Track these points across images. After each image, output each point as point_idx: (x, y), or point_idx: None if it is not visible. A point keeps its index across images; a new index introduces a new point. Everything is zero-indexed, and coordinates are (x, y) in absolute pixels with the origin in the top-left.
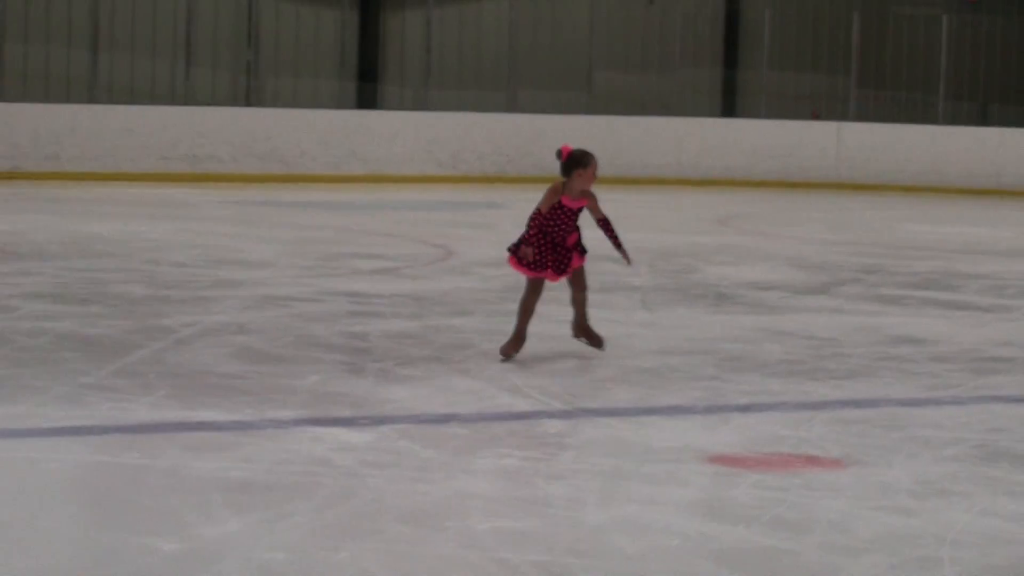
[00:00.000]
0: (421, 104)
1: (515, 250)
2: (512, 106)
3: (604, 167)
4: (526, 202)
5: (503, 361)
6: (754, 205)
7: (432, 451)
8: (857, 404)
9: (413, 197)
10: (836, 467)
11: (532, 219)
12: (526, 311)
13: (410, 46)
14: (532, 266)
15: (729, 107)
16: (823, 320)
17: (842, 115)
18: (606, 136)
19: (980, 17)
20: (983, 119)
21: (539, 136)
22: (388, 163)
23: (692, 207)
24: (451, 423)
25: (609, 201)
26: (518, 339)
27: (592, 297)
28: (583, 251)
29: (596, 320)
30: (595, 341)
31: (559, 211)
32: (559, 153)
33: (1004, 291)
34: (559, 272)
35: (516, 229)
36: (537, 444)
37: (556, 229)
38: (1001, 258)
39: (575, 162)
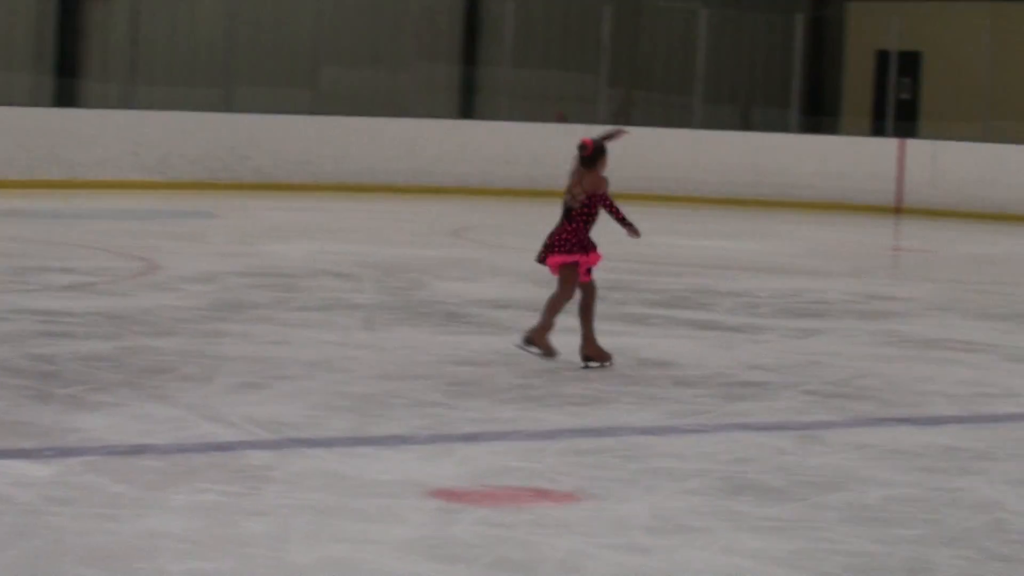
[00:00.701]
0: (126, 102)
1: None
2: (228, 105)
3: (328, 172)
4: (241, 211)
5: (538, 354)
6: (493, 215)
7: (122, 486)
8: (594, 433)
9: (115, 205)
10: (568, 501)
11: (610, 205)
12: (553, 309)
13: (115, 37)
14: (565, 250)
15: (467, 108)
16: (561, 341)
17: (591, 118)
18: (333, 138)
19: (742, 12)
20: (745, 123)
21: (257, 138)
22: (88, 167)
23: (425, 217)
24: (145, 455)
25: (334, 211)
26: (544, 329)
27: (308, 315)
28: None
29: (310, 342)
30: (605, 357)
31: (595, 199)
32: (583, 147)
33: (756, 310)
34: (586, 252)
35: (230, 243)
36: (239, 477)
37: (591, 216)
38: (756, 274)
39: (602, 151)
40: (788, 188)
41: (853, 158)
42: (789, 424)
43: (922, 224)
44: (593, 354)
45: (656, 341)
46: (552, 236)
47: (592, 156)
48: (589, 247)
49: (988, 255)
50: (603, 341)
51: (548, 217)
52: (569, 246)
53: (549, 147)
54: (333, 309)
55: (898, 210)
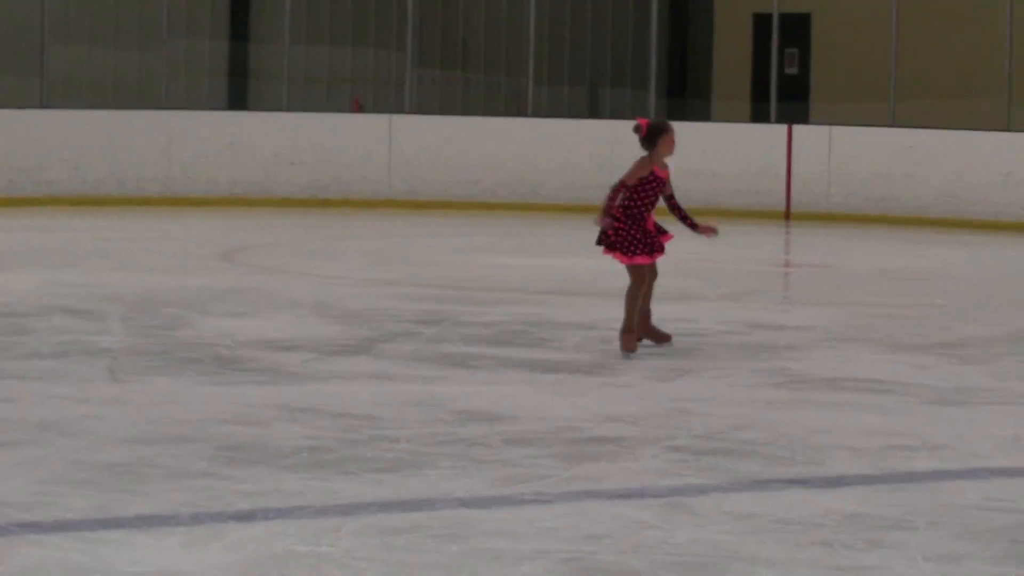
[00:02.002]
0: None
1: (609, 241)
2: None
3: (61, 181)
4: None
5: (629, 357)
6: (271, 232)
7: None
8: (404, 506)
9: None
10: None
11: (615, 191)
12: (633, 301)
13: None
14: (626, 251)
15: (238, 95)
16: (361, 391)
17: (397, 105)
18: (65, 137)
19: None
20: (592, 109)
21: None
22: None
23: (186, 236)
24: None
25: (70, 230)
26: (631, 330)
27: (37, 364)
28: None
29: (41, 398)
30: (662, 337)
31: (650, 183)
32: (637, 128)
33: (612, 345)
34: (651, 252)
35: None
36: None
37: (642, 204)
38: (609, 300)
39: (658, 130)
40: None
41: (728, 150)
42: (651, 490)
43: (817, 232)
44: (649, 335)
45: (482, 388)
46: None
47: (649, 135)
48: (652, 242)
49: (901, 269)
50: (409, 388)
51: (342, 232)
52: (631, 245)
53: (343, 143)
54: (70, 356)
55: (787, 215)
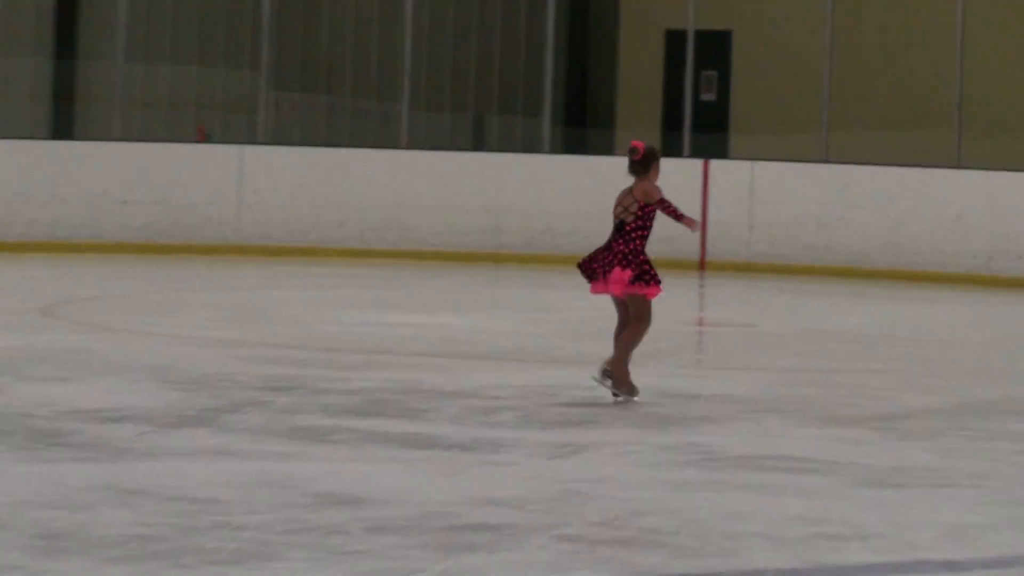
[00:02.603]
0: None
1: (644, 276)
2: None
3: None
4: None
5: (636, 399)
6: (99, 283)
7: None
8: None
9: None
10: None
11: (668, 204)
12: (639, 339)
13: None
14: (649, 282)
15: (63, 122)
16: (202, 470)
17: (249, 134)
18: None
19: None
20: (476, 139)
21: None
22: None
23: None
24: None
25: None
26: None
27: None
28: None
29: None
30: (630, 390)
31: (651, 210)
32: (634, 150)
33: (492, 416)
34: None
35: None
36: None
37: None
38: (492, 363)
39: (653, 155)
40: (536, 233)
41: None
42: None
43: (737, 284)
44: (619, 379)
45: (343, 467)
46: (611, 257)
47: (644, 160)
48: (653, 275)
49: (833, 329)
50: (258, 467)
51: (182, 283)
52: (641, 275)
53: (185, 178)
54: None
55: (702, 264)
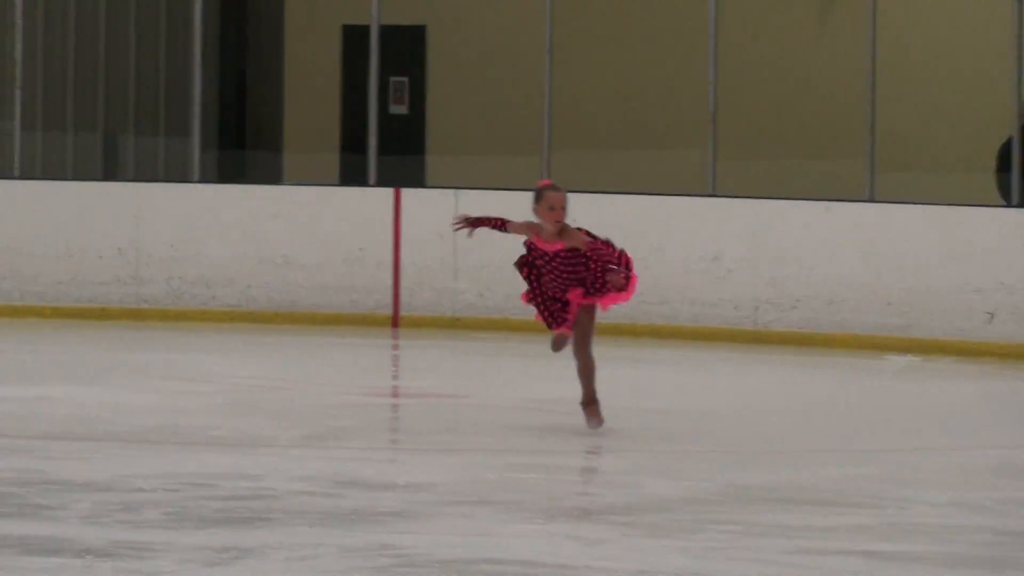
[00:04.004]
0: None
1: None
2: None
3: None
4: None
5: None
6: None
7: None
8: None
9: None
10: None
11: (494, 220)
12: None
13: None
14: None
15: None
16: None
17: None
18: None
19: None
20: (110, 167)
21: None
22: None
23: None
24: None
25: None
26: (595, 400)
27: None
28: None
29: None
30: (594, 419)
31: (534, 250)
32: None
33: (135, 513)
34: (552, 323)
35: None
36: None
37: (542, 273)
38: (134, 448)
39: (537, 191)
40: (186, 284)
41: (306, 225)
42: None
43: (439, 345)
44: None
45: None
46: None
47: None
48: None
49: (556, 399)
50: None
51: None
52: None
53: None
54: None
55: (395, 320)
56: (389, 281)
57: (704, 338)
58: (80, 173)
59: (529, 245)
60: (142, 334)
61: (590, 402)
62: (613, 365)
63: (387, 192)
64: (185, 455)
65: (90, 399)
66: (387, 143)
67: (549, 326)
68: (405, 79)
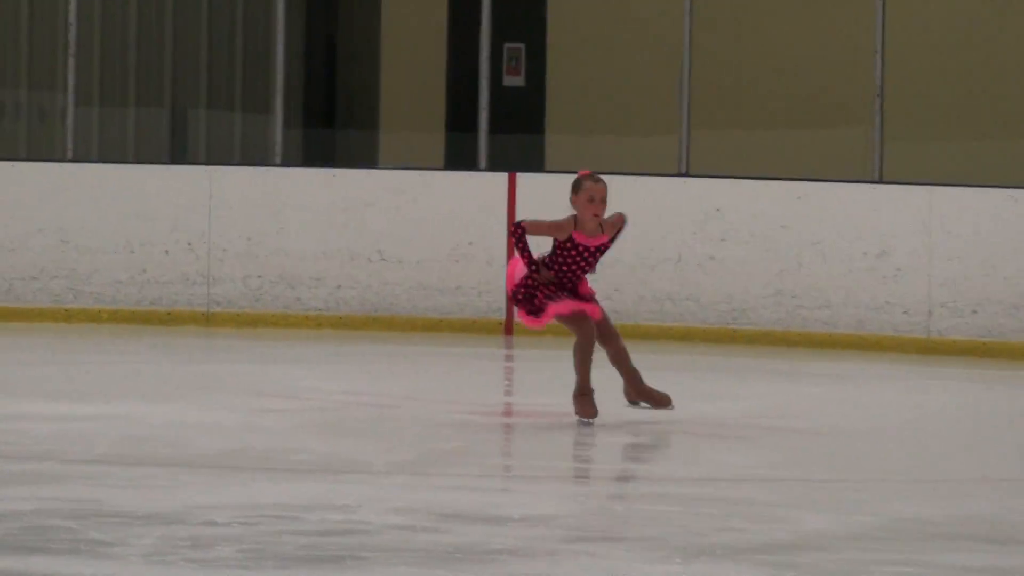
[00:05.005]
0: None
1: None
2: None
3: None
4: None
5: (588, 424)
6: None
7: None
8: None
9: None
10: None
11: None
12: (582, 361)
13: None
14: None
15: None
16: None
17: None
18: None
19: None
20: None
21: None
22: None
23: None
24: None
25: None
26: (584, 395)
27: None
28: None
29: None
30: (660, 401)
31: (568, 249)
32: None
33: (206, 550)
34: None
35: None
36: None
37: (571, 265)
38: (204, 474)
39: (576, 182)
40: (260, 283)
41: (405, 215)
42: None
43: (540, 356)
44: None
45: None
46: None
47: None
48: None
49: (692, 419)
50: None
51: None
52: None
53: None
54: None
55: (509, 326)
56: (501, 280)
57: (868, 347)
58: (143, 155)
59: (561, 246)
60: (214, 342)
61: (586, 392)
62: (761, 379)
63: (500, 177)
64: (264, 483)
65: (153, 418)
66: (500, 120)
67: (540, 311)
68: (521, 46)
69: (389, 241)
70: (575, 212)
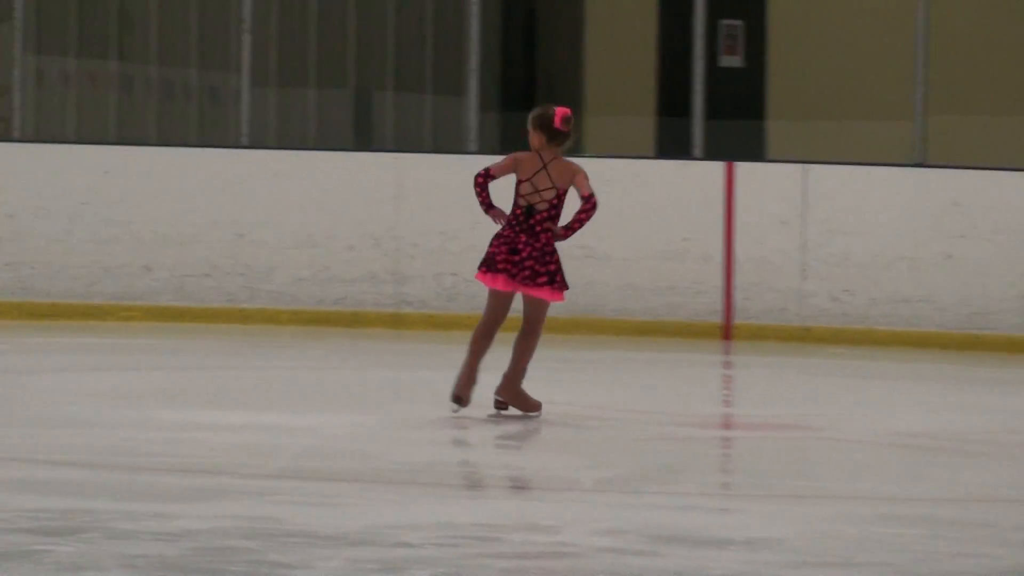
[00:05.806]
0: None
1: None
2: None
3: None
4: None
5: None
6: None
7: None
8: None
9: None
10: None
11: (588, 211)
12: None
13: None
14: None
15: None
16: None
17: None
18: None
19: None
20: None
21: None
22: None
23: None
24: None
25: None
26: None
27: None
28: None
29: None
30: (532, 406)
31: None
32: (551, 117)
33: (399, 574)
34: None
35: None
36: None
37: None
38: (395, 490)
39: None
40: (454, 281)
41: (613, 209)
42: None
43: (762, 362)
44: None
45: None
46: (539, 261)
47: (566, 129)
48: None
49: (905, 431)
50: None
51: None
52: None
53: None
54: None
55: (727, 328)
56: (719, 280)
57: None
58: (324, 141)
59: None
60: (404, 346)
61: (472, 378)
62: (1006, 390)
63: (717, 166)
64: (462, 501)
65: (339, 429)
66: (717, 105)
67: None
68: (740, 23)
69: (595, 236)
70: (559, 156)
